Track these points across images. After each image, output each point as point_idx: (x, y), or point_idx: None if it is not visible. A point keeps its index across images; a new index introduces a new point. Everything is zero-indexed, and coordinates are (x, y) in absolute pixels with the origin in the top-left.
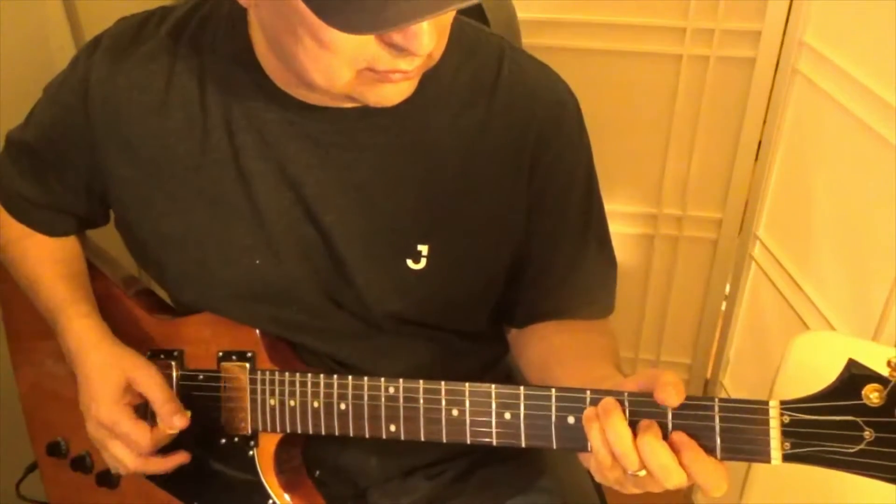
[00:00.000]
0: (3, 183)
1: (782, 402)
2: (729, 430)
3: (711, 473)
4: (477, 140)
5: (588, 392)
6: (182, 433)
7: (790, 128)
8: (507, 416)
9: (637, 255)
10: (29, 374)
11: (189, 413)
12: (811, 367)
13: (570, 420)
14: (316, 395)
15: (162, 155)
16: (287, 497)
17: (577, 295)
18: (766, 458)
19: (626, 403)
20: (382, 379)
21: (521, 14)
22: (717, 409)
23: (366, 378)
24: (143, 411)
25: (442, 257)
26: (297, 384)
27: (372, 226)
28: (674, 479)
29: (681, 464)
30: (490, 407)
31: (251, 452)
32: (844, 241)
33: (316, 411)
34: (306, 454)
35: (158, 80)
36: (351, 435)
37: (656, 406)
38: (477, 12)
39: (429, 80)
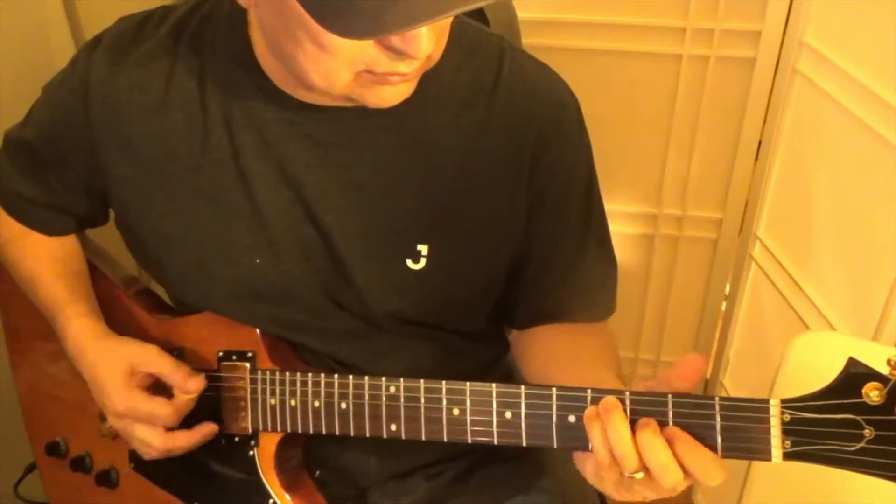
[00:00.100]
0: (1, 182)
1: (783, 401)
2: (730, 428)
3: (707, 464)
4: (477, 140)
5: (589, 391)
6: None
7: (790, 128)
8: (508, 415)
9: (637, 255)
10: (28, 374)
11: (202, 375)
12: (811, 367)
13: (571, 419)
14: (316, 395)
15: (162, 155)
16: (287, 497)
17: (578, 295)
18: (766, 457)
19: (628, 402)
20: (383, 378)
21: (521, 14)
22: (717, 407)
23: (366, 377)
24: (155, 390)
25: (442, 257)
26: (298, 384)
27: (372, 226)
28: (672, 476)
29: (676, 456)
30: (491, 406)
31: (251, 452)
32: (844, 241)
33: (317, 411)
34: (307, 454)
35: (158, 80)
36: (352, 434)
37: (658, 405)
38: (477, 12)
39: (429, 80)
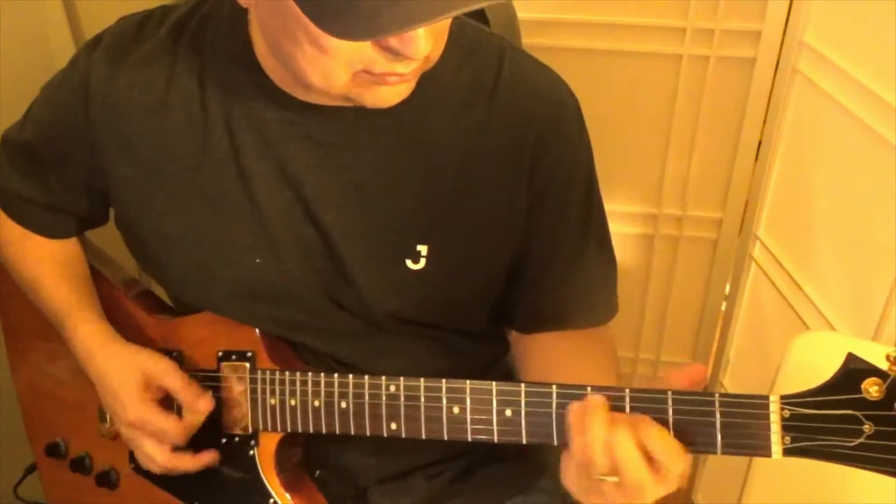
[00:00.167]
0: (1, 184)
1: (782, 397)
2: (729, 424)
3: (670, 449)
4: (477, 140)
5: (589, 388)
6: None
7: (790, 128)
8: (508, 412)
9: (637, 255)
10: (27, 375)
11: (210, 393)
12: (811, 366)
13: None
14: (316, 394)
15: (162, 154)
16: (288, 496)
17: (578, 295)
18: (766, 453)
19: (628, 399)
20: (383, 377)
21: (521, 14)
22: (717, 404)
23: (366, 377)
24: (167, 404)
25: (441, 258)
26: (298, 383)
27: (371, 226)
28: (634, 470)
29: (638, 439)
30: (491, 404)
31: (252, 452)
32: (844, 241)
33: (317, 410)
34: (307, 454)
35: (159, 80)
36: (352, 433)
37: (657, 402)
38: (477, 12)
39: (429, 80)
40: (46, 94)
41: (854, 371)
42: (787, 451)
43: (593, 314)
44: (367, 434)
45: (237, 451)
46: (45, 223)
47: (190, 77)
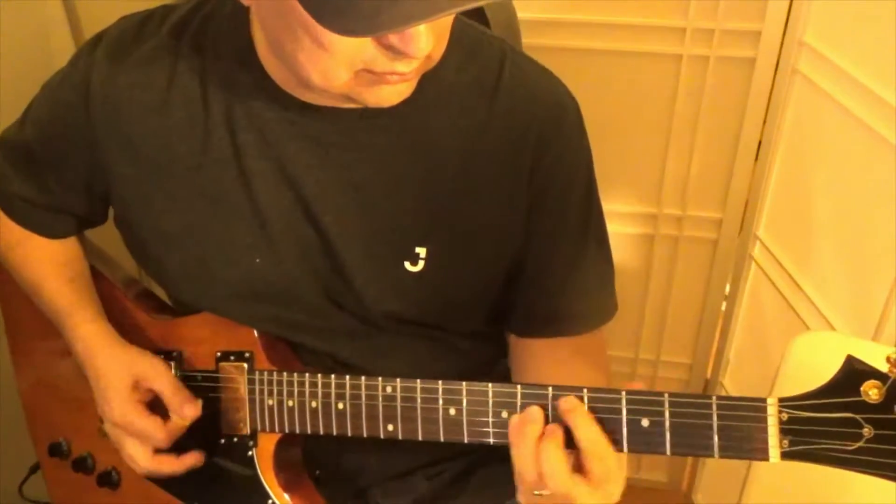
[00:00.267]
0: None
1: (781, 400)
2: (727, 427)
3: (596, 445)
4: (477, 142)
5: (585, 390)
6: (182, 435)
7: (790, 128)
8: (505, 414)
9: (637, 255)
10: (30, 375)
11: (200, 401)
12: (811, 367)
13: None
14: (314, 395)
15: (163, 153)
16: (286, 496)
17: (576, 299)
18: (764, 456)
19: (624, 401)
20: (380, 379)
21: (521, 14)
22: (714, 406)
23: (363, 378)
24: (156, 407)
25: (440, 260)
26: (296, 384)
27: (371, 227)
28: (557, 483)
29: (573, 427)
30: (487, 406)
31: (250, 452)
32: (844, 241)
33: (314, 411)
34: (306, 454)
35: (160, 79)
36: (349, 435)
37: (654, 404)
38: (477, 12)
39: (430, 81)
40: (46, 92)
41: (853, 373)
42: (785, 455)
43: (590, 319)
44: (364, 435)
45: (236, 452)
46: (44, 223)
47: (191, 76)
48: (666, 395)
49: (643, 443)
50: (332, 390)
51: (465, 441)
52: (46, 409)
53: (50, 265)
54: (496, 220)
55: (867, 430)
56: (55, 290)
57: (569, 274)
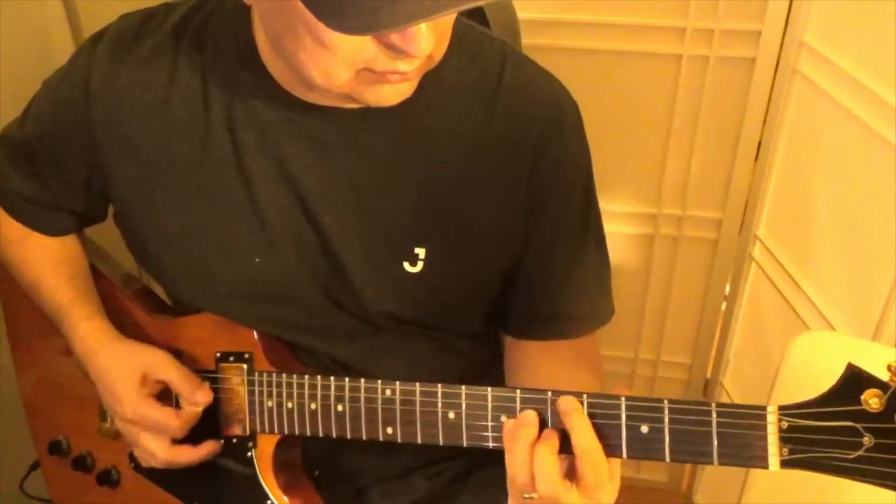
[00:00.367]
0: (0, 183)
1: (781, 408)
2: (726, 435)
3: (592, 444)
4: (477, 143)
5: (585, 396)
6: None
7: (790, 128)
8: (504, 418)
9: (637, 255)
10: (30, 373)
11: (208, 385)
12: (811, 367)
13: None
14: (313, 397)
15: (163, 152)
16: (285, 498)
17: (574, 301)
18: (763, 464)
19: (623, 407)
20: (379, 382)
21: (521, 14)
22: (714, 413)
23: (363, 380)
24: (165, 398)
25: (439, 261)
26: (295, 386)
27: (370, 227)
28: (546, 484)
29: (569, 429)
30: (486, 410)
31: (250, 453)
32: (844, 241)
33: (313, 413)
34: (305, 454)
35: (161, 78)
36: (348, 437)
37: (653, 411)
38: (477, 12)
39: (431, 82)
40: (47, 90)
41: (854, 382)
42: (785, 463)
43: (587, 322)
44: (364, 438)
45: (235, 452)
46: (44, 220)
47: (192, 75)
48: (665, 402)
49: (642, 449)
50: (332, 392)
51: (465, 445)
52: (47, 408)
53: (49, 263)
54: (495, 221)
55: (867, 439)
56: (55, 288)
57: (567, 276)
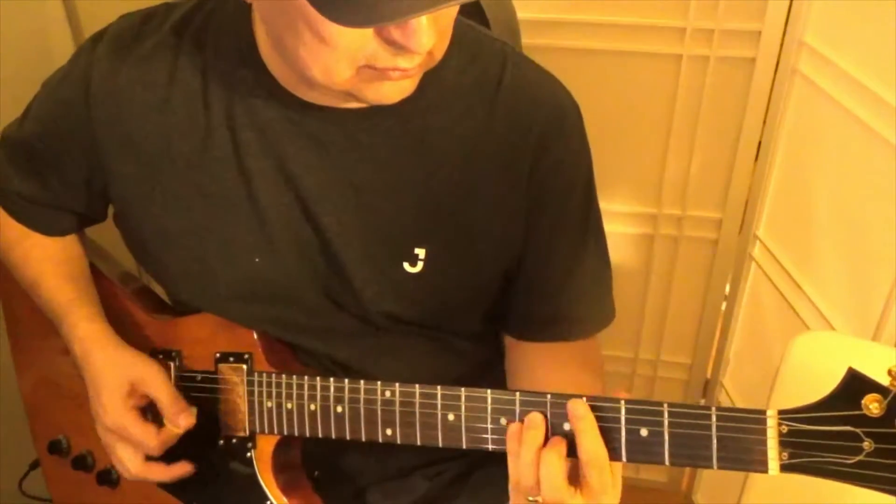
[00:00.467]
0: (0, 183)
1: (780, 412)
2: (726, 439)
3: (599, 449)
4: (477, 144)
5: (584, 398)
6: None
7: (790, 128)
8: (503, 421)
9: (637, 255)
10: (30, 372)
11: (195, 410)
12: (811, 367)
13: (566, 427)
14: (313, 398)
15: (163, 152)
16: (285, 498)
17: (573, 302)
18: (763, 469)
19: (623, 410)
20: (379, 383)
21: (521, 14)
22: (714, 417)
23: (362, 382)
24: (150, 412)
25: (439, 261)
26: (294, 387)
27: (369, 228)
28: (552, 488)
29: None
30: (486, 412)
31: (249, 454)
32: (844, 241)
33: (313, 414)
34: (305, 454)
35: (161, 77)
36: (347, 438)
37: (653, 414)
38: (477, 12)
39: (431, 82)
40: (47, 90)
41: (854, 386)
42: (785, 468)
43: (588, 324)
44: (363, 439)
45: (235, 453)
46: (44, 220)
47: (192, 74)
48: (665, 406)
49: (642, 452)
50: (331, 393)
51: (464, 447)
52: (47, 407)
53: (49, 263)
54: (496, 221)
55: (867, 444)
56: (54, 288)
57: (567, 276)
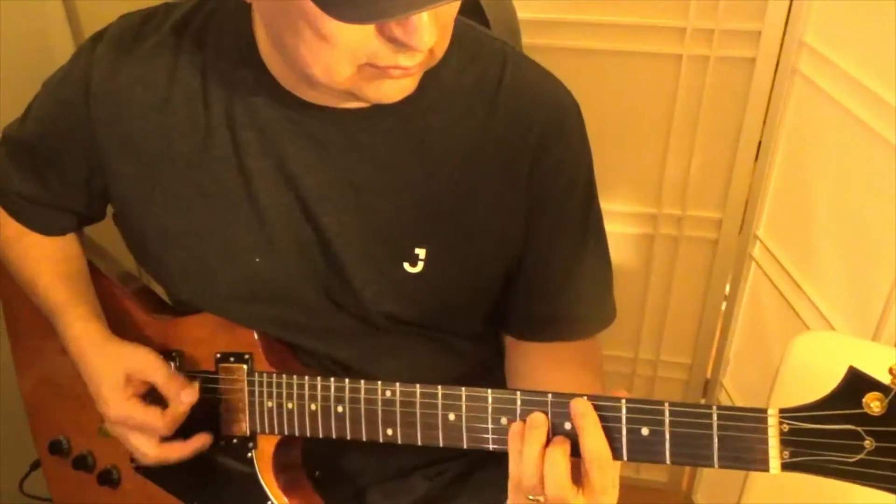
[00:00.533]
0: (0, 182)
1: (781, 411)
2: (727, 438)
3: (602, 447)
4: (478, 144)
5: (584, 397)
6: (183, 433)
7: (790, 128)
8: (504, 421)
9: (637, 255)
10: (31, 372)
11: (197, 384)
12: (811, 367)
13: (567, 426)
14: (313, 398)
15: (163, 151)
16: (285, 498)
17: (574, 302)
18: (764, 467)
19: (624, 409)
20: (379, 383)
21: (521, 14)
22: (715, 416)
23: (363, 381)
24: (155, 397)
25: (439, 261)
26: (295, 386)
27: (370, 228)
28: (555, 486)
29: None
30: (486, 412)
31: (250, 454)
32: (844, 241)
33: (313, 414)
34: (305, 454)
35: (161, 76)
36: (348, 438)
37: (654, 413)
38: (477, 12)
39: (431, 82)
40: (48, 90)
41: (855, 385)
42: (786, 466)
43: (588, 324)
44: (364, 439)
45: (236, 453)
46: (43, 220)
47: (192, 74)
48: (666, 405)
49: (643, 451)
50: (332, 393)
51: (465, 447)
52: (47, 407)
53: (47, 262)
54: (496, 221)
55: (868, 443)
56: (50, 287)
57: (567, 276)
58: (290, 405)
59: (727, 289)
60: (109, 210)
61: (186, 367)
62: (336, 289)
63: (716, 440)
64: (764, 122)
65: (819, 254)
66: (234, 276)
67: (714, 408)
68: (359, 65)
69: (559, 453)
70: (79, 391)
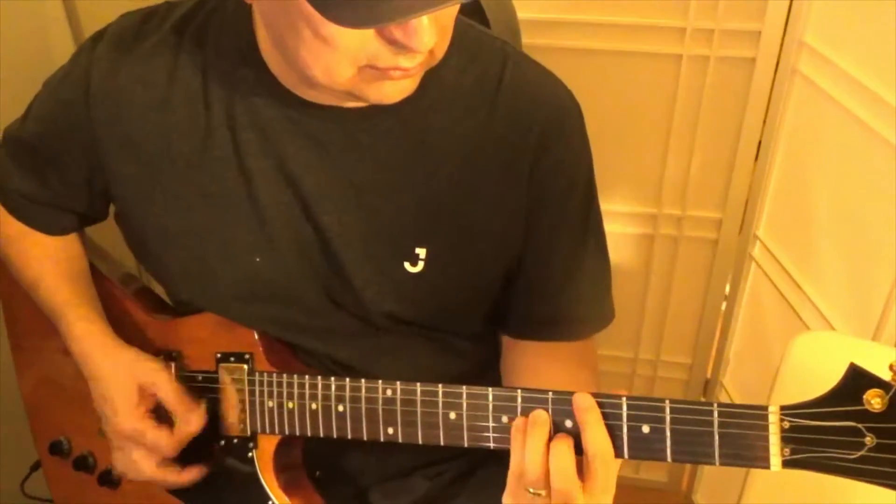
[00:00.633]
0: (1, 181)
1: (782, 408)
2: (728, 435)
3: (605, 442)
4: (478, 143)
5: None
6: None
7: (790, 128)
8: (505, 419)
9: (637, 255)
10: (31, 373)
11: (204, 406)
12: (811, 367)
13: (568, 424)
14: (314, 398)
15: (164, 151)
16: (286, 498)
17: (573, 302)
18: (765, 464)
19: (625, 407)
20: (380, 382)
21: (521, 14)
22: (716, 413)
23: (363, 381)
24: (160, 411)
25: (440, 261)
26: (296, 386)
27: (370, 227)
28: (562, 481)
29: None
30: (487, 410)
31: (250, 454)
32: (844, 241)
33: (314, 413)
34: (306, 454)
35: (161, 76)
36: (349, 437)
37: (655, 410)
38: (477, 12)
39: (431, 82)
40: (48, 90)
41: (856, 381)
42: (787, 463)
43: (587, 324)
44: (365, 438)
45: (236, 453)
46: (44, 220)
47: (193, 73)
48: (667, 402)
49: (643, 449)
50: (332, 393)
51: (466, 445)
52: (48, 408)
53: (48, 262)
54: (496, 221)
55: (869, 439)
56: (52, 287)
57: (567, 276)
58: (290, 405)
59: (727, 289)
60: (110, 210)
61: (187, 368)
62: (336, 288)
63: (717, 437)
64: (764, 122)
65: (819, 254)
66: (235, 275)
67: (715, 405)
68: (359, 66)
69: (565, 447)
70: (79, 392)
